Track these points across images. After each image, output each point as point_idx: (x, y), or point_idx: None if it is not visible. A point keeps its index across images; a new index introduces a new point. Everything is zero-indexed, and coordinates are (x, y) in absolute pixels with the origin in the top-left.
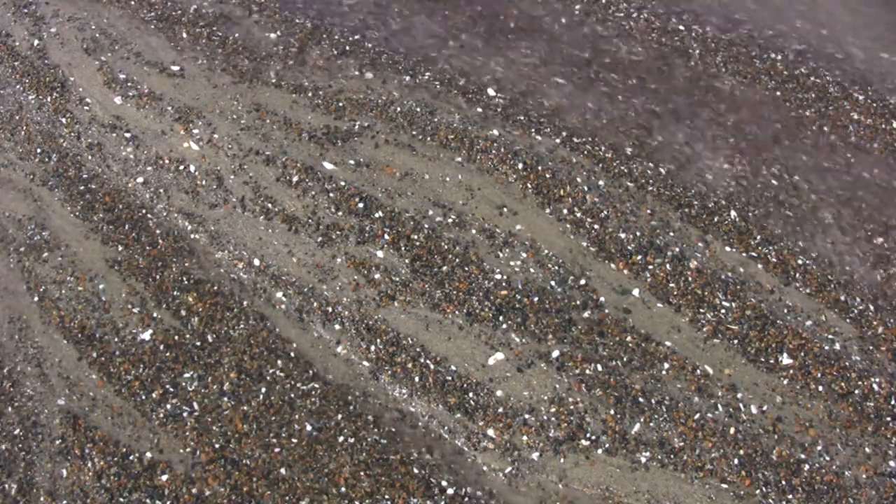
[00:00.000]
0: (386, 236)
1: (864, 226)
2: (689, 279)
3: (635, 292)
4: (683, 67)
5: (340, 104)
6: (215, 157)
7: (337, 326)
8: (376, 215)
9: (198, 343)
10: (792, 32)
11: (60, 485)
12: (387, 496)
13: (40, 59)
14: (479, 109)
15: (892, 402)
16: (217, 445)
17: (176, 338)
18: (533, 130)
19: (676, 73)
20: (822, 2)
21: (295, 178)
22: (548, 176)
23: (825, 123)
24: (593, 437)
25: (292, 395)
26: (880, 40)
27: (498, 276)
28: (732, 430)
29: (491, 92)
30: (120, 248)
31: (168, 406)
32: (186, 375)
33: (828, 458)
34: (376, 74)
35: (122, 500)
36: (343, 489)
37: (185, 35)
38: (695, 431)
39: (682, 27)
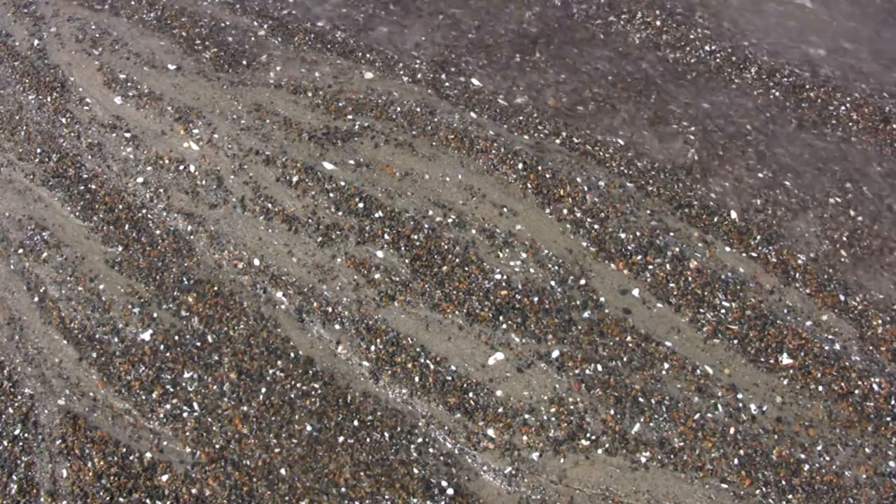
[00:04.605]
0: (386, 236)
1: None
2: (689, 279)
3: (635, 292)
4: None
5: (340, 104)
6: (215, 157)
7: (337, 326)
8: (376, 215)
9: (198, 343)
10: None
11: (61, 485)
12: (387, 496)
13: (40, 59)
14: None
15: (892, 402)
16: (217, 445)
17: (176, 338)
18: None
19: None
20: None
21: (295, 179)
22: (548, 176)
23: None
24: (593, 437)
25: (292, 395)
26: None
27: (498, 276)
28: (732, 430)
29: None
30: (120, 249)
31: (168, 406)
32: (186, 375)
33: (828, 458)
34: (376, 74)
35: (121, 500)
36: (343, 489)
37: (185, 35)
38: (695, 431)
39: None
